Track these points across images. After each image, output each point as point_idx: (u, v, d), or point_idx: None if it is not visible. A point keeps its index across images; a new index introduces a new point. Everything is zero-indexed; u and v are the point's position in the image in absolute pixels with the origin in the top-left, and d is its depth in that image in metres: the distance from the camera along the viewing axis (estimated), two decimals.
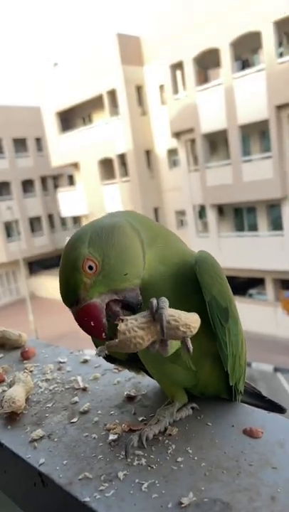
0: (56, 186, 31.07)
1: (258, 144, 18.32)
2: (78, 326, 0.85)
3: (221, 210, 19.61)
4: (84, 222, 26.40)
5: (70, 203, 25.31)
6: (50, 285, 27.55)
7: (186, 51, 18.04)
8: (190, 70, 18.29)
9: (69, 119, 25.56)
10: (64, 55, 31.16)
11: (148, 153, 21.79)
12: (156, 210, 21.91)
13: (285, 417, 0.97)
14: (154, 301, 0.81)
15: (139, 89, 21.51)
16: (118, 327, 0.79)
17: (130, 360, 1.11)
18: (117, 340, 0.79)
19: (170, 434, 0.95)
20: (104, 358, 1.14)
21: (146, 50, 21.14)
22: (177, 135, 19.54)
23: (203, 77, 18.96)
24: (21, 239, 29.51)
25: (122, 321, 0.80)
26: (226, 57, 17.08)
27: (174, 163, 21.47)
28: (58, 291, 0.85)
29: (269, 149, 16.96)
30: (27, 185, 30.73)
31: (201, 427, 0.96)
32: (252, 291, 19.79)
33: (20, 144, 30.63)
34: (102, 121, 22.67)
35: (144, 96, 21.68)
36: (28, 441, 1.01)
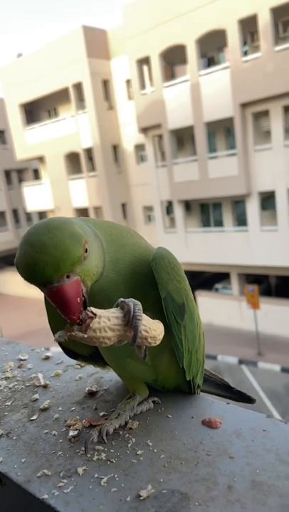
0: (21, 180, 30.38)
1: (224, 141, 18.59)
2: (54, 304, 0.77)
3: (187, 205, 19.79)
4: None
5: (36, 197, 24.83)
6: (15, 282, 26.97)
7: (153, 46, 18.01)
8: (157, 65, 18.28)
9: (34, 111, 25.00)
10: (28, 45, 30.40)
11: (115, 148, 21.67)
12: (123, 206, 21.85)
13: (246, 407, 1.00)
14: (131, 306, 0.80)
15: (105, 83, 21.30)
16: (91, 323, 0.77)
17: (94, 356, 1.10)
18: (85, 335, 0.77)
19: (131, 428, 0.95)
20: (67, 354, 1.13)
21: (112, 44, 20.96)
22: (144, 130, 19.53)
23: (169, 73, 19.01)
24: None
25: (95, 315, 0.78)
26: (192, 54, 17.18)
27: (141, 158, 21.48)
28: (28, 267, 0.73)
29: (234, 147, 17.24)
30: None
31: (161, 419, 0.97)
32: (218, 285, 20.14)
33: None
34: (68, 115, 22.33)
35: (110, 90, 21.50)
36: None
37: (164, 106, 18.38)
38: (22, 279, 0.77)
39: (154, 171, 19.68)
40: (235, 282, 19.13)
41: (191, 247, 18.72)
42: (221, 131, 18.39)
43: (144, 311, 0.91)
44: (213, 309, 18.81)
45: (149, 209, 21.30)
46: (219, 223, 19.22)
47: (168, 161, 18.82)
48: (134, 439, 0.91)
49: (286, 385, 13.36)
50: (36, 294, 23.79)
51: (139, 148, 21.08)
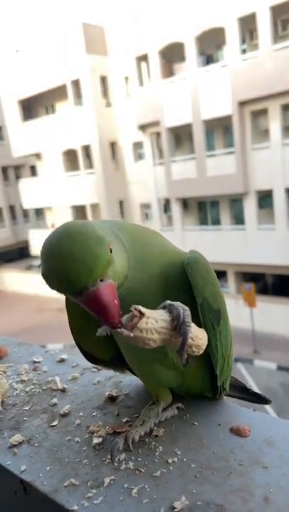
0: (18, 177, 30.20)
1: (222, 139, 18.57)
2: (92, 310, 0.74)
3: (185, 203, 19.78)
4: (47, 214, 25.84)
5: (33, 194, 24.69)
6: (11, 278, 26.86)
7: (152, 44, 17.92)
8: (155, 62, 18.20)
9: (31, 107, 24.84)
10: (26, 41, 30.17)
11: (113, 146, 21.57)
12: (121, 203, 21.78)
13: (269, 412, 0.98)
14: (181, 311, 0.77)
15: (103, 80, 21.18)
16: (138, 323, 0.74)
17: (114, 361, 1.08)
18: (132, 334, 0.74)
19: (156, 436, 0.93)
20: (86, 359, 1.10)
21: (110, 41, 20.83)
22: (142, 128, 19.46)
23: (168, 71, 18.93)
24: None
25: (143, 315, 0.75)
26: (191, 51, 17.12)
27: (139, 156, 21.41)
28: (61, 278, 0.72)
29: (232, 145, 17.23)
30: None
31: (187, 426, 0.95)
32: None
33: None
34: (66, 112, 22.21)
35: (108, 87, 21.39)
36: (6, 447, 0.96)
37: (162, 103, 18.32)
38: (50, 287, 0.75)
39: (152, 169, 19.64)
40: (232, 280, 19.16)
41: (188, 245, 18.68)
42: (220, 129, 18.36)
43: None
44: None
45: (146, 206, 21.26)
46: (216, 221, 19.23)
47: (166, 158, 18.78)
48: (161, 448, 0.89)
49: (282, 383, 13.42)
50: (32, 290, 23.71)
51: (137, 145, 21.01)
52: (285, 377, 13.81)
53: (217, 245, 18.04)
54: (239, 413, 0.97)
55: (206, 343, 0.81)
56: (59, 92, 22.27)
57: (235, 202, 18.38)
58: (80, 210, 22.57)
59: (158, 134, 19.25)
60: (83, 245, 0.73)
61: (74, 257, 0.72)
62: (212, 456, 0.85)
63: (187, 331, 0.76)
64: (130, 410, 1.04)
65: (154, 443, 0.91)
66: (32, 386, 1.21)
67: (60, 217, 22.63)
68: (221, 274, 19.78)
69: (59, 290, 0.75)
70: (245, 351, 15.87)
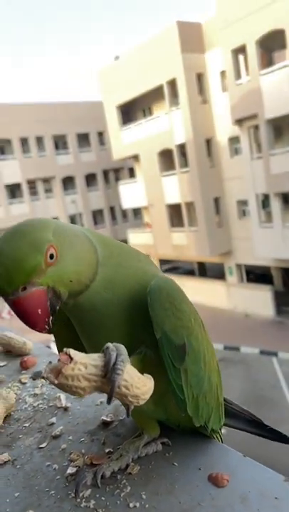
0: (117, 179, 31.47)
1: None
2: (17, 316, 0.73)
3: (286, 198, 18.67)
4: (144, 214, 26.50)
5: (131, 195, 25.51)
6: None
7: (249, 34, 17.20)
8: (253, 53, 17.45)
9: (130, 111, 25.65)
10: (125, 47, 31.31)
11: (208, 142, 21.23)
12: (216, 200, 21.36)
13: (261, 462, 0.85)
14: (113, 356, 0.70)
15: (199, 77, 20.95)
16: (63, 368, 0.69)
17: None
18: (56, 381, 0.70)
19: (130, 473, 0.86)
20: None
21: (207, 37, 20.50)
22: (239, 122, 18.82)
23: (267, 60, 18.00)
24: None
25: (71, 359, 0.70)
26: None
27: (235, 151, 20.75)
28: None
29: None
30: (90, 179, 31.45)
31: (165, 466, 0.87)
32: None
33: (83, 138, 31.37)
34: (162, 113, 22.47)
35: (205, 84, 21.10)
36: None
37: (260, 95, 17.52)
38: None
39: (249, 164, 18.90)
40: None
41: None
42: None
43: (146, 349, 0.82)
44: None
45: (243, 203, 20.54)
46: None
47: (264, 152, 17.92)
48: (129, 488, 0.83)
49: None
50: None
51: (234, 140, 20.41)
52: None
53: None
54: (225, 456, 0.86)
55: (148, 392, 0.71)
56: (156, 94, 22.61)
57: None
58: (175, 209, 22.69)
59: (256, 127, 18.46)
60: (14, 246, 0.71)
61: (11, 258, 0.70)
62: (177, 506, 0.77)
63: (115, 379, 0.68)
64: (117, 440, 0.99)
65: (124, 481, 0.85)
66: (40, 401, 1.22)
67: (156, 216, 23.03)
68: None
69: None
70: None
